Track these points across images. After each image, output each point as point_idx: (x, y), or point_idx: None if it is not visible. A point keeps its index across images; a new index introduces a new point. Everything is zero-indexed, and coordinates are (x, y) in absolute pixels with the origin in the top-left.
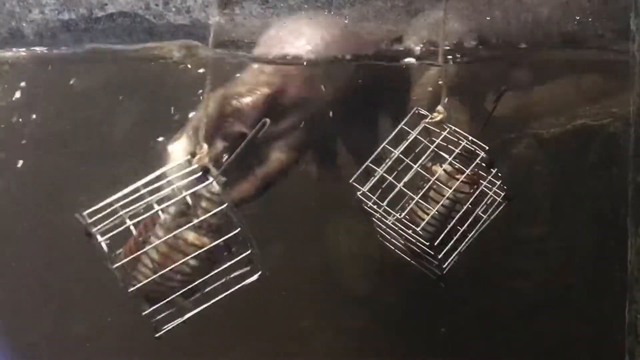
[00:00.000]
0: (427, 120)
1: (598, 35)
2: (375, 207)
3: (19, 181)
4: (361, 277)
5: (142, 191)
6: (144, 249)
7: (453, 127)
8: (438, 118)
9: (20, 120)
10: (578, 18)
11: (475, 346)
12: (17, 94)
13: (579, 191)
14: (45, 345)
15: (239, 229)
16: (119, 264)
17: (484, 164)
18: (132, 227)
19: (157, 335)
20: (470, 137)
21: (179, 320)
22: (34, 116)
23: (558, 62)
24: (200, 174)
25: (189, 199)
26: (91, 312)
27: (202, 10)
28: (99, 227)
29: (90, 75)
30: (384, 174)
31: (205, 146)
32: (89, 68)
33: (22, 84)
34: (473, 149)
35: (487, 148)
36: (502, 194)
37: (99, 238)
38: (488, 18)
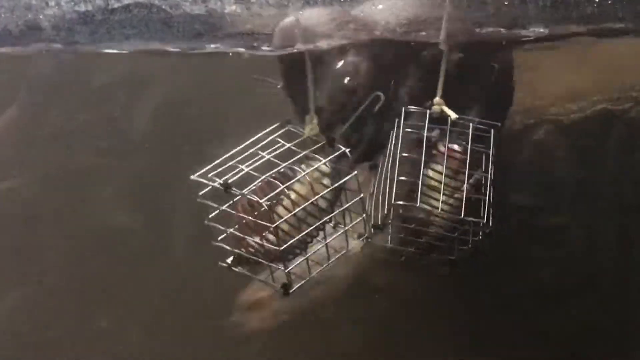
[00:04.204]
0: (428, 114)
1: (618, 18)
2: None
3: (38, 178)
4: (380, 267)
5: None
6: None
7: (455, 115)
8: (440, 110)
9: (39, 114)
10: (597, 0)
11: (497, 335)
12: (35, 88)
13: (601, 178)
14: (68, 340)
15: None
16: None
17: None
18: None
19: (290, 292)
20: (476, 120)
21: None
22: (51, 111)
23: (577, 45)
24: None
25: (325, 168)
26: (114, 307)
27: (217, 0)
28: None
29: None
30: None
31: (316, 117)
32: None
33: (40, 77)
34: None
35: (499, 125)
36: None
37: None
38: (506, 2)
